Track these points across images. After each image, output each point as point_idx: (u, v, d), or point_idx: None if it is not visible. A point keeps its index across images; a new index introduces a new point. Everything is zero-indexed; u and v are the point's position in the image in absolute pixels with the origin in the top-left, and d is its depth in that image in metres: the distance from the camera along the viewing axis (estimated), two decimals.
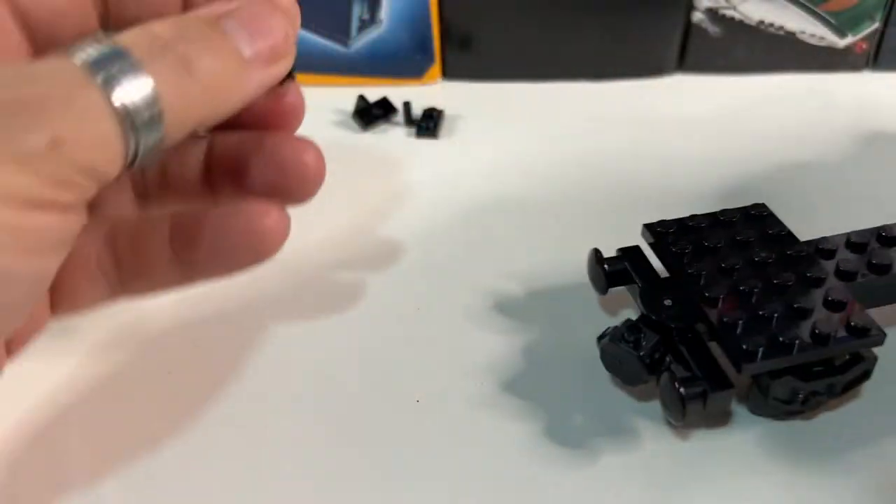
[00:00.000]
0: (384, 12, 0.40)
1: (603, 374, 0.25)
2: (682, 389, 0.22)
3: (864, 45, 0.42)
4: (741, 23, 0.41)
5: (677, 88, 0.42)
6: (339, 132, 0.40)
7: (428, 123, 0.38)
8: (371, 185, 0.35)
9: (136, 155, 0.18)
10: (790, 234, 0.27)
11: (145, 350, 0.28)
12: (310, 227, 0.33)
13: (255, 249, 0.23)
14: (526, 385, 0.26)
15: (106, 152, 0.17)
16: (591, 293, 0.28)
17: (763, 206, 0.28)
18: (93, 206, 0.22)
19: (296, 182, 0.24)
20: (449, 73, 0.43)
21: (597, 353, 0.25)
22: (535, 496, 0.22)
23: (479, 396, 0.25)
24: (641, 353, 0.23)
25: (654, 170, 0.36)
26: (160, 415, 0.25)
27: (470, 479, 0.23)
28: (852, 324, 0.23)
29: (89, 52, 0.18)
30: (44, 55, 0.22)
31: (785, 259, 0.26)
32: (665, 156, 0.37)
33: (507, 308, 0.29)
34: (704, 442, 0.24)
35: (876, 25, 0.41)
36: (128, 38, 0.18)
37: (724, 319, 0.23)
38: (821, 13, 0.41)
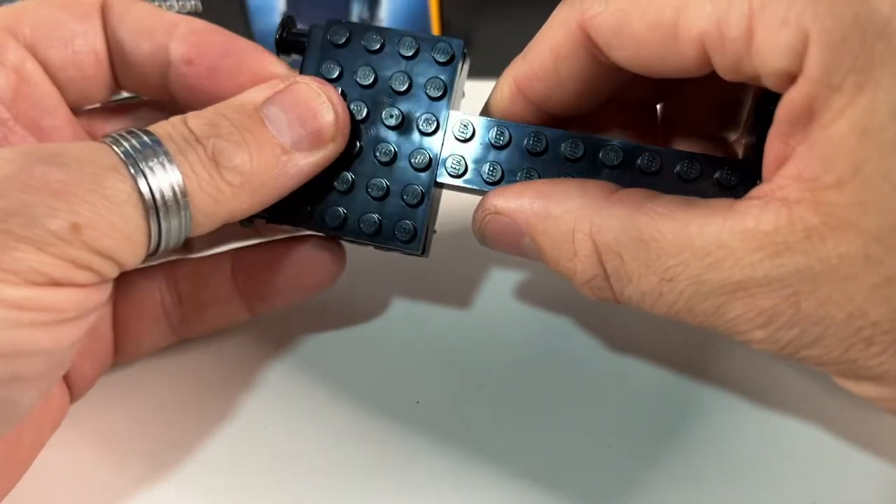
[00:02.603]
0: (384, 11, 0.40)
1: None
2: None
3: None
4: None
5: None
6: None
7: None
8: None
9: (159, 244, 0.18)
10: (443, 98, 0.23)
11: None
12: None
13: (315, 281, 0.24)
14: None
15: (127, 240, 0.18)
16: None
17: (459, 44, 0.23)
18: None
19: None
20: None
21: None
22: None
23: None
24: None
25: None
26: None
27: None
28: (394, 229, 0.22)
29: (127, 140, 0.18)
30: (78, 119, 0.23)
31: (409, 128, 0.23)
32: None
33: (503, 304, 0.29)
34: None
35: None
36: (162, 130, 0.19)
37: None
38: None
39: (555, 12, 0.22)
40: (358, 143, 0.23)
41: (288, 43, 0.24)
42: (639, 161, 0.21)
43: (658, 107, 0.25)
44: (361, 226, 0.22)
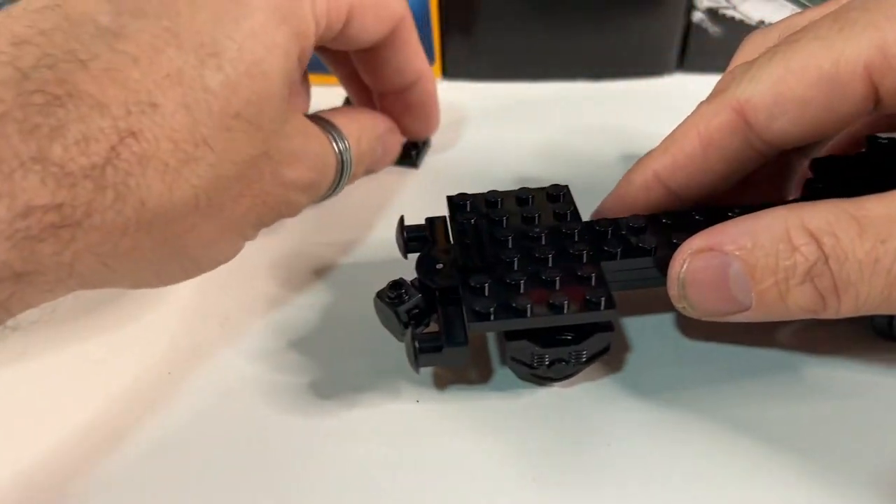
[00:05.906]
0: None
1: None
2: (416, 343, 0.24)
3: None
4: (741, 22, 0.41)
5: (677, 88, 0.42)
6: None
7: (409, 152, 0.36)
8: (376, 180, 0.35)
9: (335, 186, 0.29)
10: (574, 214, 0.27)
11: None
12: (304, 218, 0.33)
13: None
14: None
15: (329, 182, 0.28)
16: None
17: (564, 186, 0.28)
18: None
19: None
20: (449, 72, 0.43)
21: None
22: None
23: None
24: (399, 309, 0.25)
25: None
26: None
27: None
28: (587, 297, 0.23)
29: (336, 135, 0.29)
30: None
31: (555, 235, 0.26)
32: None
33: None
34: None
35: None
36: (351, 135, 0.29)
37: (472, 283, 0.24)
38: None
39: (701, 104, 0.25)
40: (515, 258, 0.24)
41: (411, 241, 0.27)
42: None
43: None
44: (550, 308, 0.23)
